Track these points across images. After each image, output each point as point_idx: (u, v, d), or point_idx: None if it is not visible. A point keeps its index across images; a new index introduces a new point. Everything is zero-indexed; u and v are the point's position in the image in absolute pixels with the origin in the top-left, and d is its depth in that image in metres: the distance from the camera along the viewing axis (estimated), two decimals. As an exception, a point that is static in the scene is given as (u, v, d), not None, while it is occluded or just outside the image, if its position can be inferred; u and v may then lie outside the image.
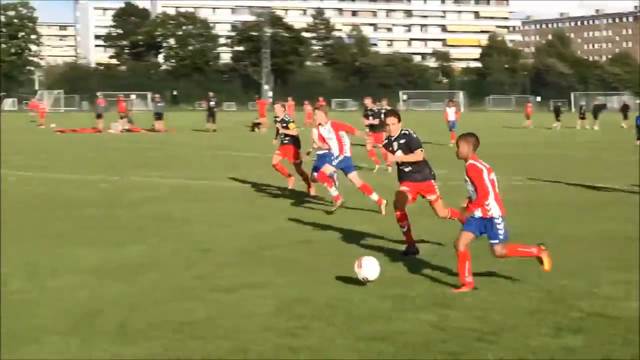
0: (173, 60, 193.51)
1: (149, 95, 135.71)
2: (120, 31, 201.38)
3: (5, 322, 11.42)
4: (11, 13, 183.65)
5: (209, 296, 12.82)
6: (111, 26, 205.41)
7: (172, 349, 10.22)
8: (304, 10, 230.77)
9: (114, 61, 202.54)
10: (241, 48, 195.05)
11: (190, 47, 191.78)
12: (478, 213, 13.27)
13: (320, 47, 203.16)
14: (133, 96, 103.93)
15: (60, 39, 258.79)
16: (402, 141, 16.47)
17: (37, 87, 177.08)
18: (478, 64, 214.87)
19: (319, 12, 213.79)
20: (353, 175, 23.09)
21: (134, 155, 44.26)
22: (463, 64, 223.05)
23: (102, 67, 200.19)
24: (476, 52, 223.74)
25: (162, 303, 12.29)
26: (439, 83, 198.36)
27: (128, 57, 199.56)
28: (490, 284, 13.69)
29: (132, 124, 73.13)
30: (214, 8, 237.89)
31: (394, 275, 14.27)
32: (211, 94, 79.92)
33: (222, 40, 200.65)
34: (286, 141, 26.24)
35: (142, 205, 24.32)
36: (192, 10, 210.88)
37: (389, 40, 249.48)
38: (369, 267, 13.35)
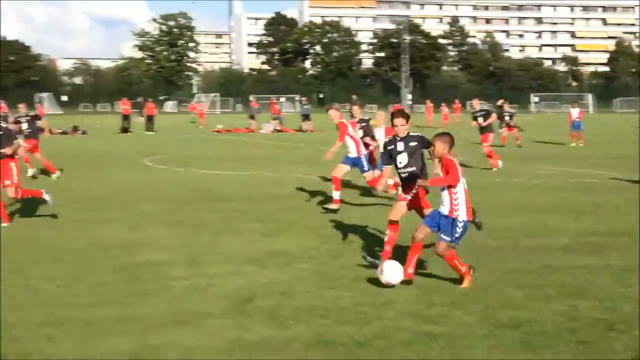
0: (319, 66, 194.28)
1: (297, 98, 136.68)
2: (270, 39, 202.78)
3: (165, 306, 11.71)
4: (171, 23, 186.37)
5: (353, 285, 12.88)
6: (262, 34, 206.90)
7: (320, 333, 10.32)
8: (441, 19, 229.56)
9: (265, 67, 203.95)
10: (382, 54, 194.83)
11: (335, 54, 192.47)
12: (445, 210, 12.88)
13: (456, 53, 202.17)
14: (282, 99, 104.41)
15: (216, 47, 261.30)
16: (412, 143, 14.88)
17: (194, 90, 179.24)
18: (606, 68, 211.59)
19: (455, 20, 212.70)
20: (368, 175, 22.47)
21: (284, 154, 44.50)
22: (591, 68, 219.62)
23: (254, 72, 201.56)
24: (604, 57, 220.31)
25: (311, 290, 12.41)
26: (568, 86, 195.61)
27: (278, 63, 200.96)
28: (619, 276, 13.51)
29: (282, 125, 73.59)
30: (357, 17, 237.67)
31: (527, 267, 14.16)
32: (354, 96, 79.99)
33: (364, 47, 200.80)
34: None
35: (291, 198, 24.54)
36: (336, 19, 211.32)
37: (520, 46, 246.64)
38: (390, 272, 12.76)
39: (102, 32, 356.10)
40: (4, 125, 19.39)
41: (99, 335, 10.28)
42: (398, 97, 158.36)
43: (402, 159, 14.76)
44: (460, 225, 12.78)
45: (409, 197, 14.57)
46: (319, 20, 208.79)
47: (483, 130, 33.96)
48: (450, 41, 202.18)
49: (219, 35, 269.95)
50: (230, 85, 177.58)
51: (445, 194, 12.77)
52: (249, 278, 13.42)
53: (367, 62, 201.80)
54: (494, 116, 35.51)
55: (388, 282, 12.63)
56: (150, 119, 70.07)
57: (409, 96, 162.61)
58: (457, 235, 12.83)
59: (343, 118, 22.89)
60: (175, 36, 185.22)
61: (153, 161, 37.97)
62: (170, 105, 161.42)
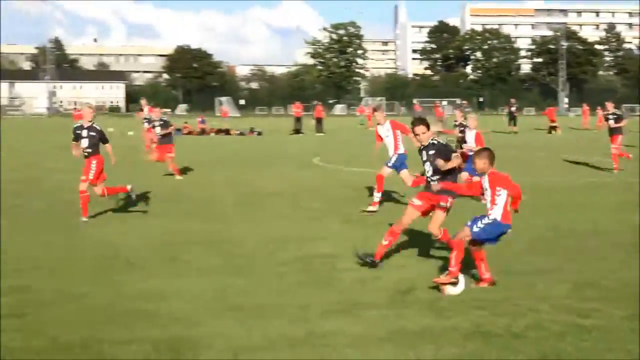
0: (479, 71, 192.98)
1: (457, 101, 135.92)
2: (434, 46, 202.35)
3: (333, 296, 11.84)
4: (341, 31, 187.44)
5: (509, 279, 12.77)
6: (426, 42, 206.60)
7: (477, 323, 10.30)
8: (597, 25, 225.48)
9: (428, 72, 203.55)
10: (540, 60, 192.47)
11: (495, 59, 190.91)
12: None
13: (612, 58, 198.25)
14: (444, 102, 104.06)
15: (382, 53, 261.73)
16: (430, 152, 13.99)
17: (362, 94, 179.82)
18: None
19: (611, 27, 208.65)
20: (404, 173, 21.72)
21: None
22: None
23: (418, 78, 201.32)
24: None
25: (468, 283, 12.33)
26: None
27: (440, 68, 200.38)
28: None
29: (445, 127, 73.18)
30: (516, 25, 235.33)
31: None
32: (513, 100, 79.19)
33: (522, 53, 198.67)
34: None
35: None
36: (496, 27, 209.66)
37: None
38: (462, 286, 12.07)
39: (277, 40, 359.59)
40: (98, 128, 19.69)
41: (270, 320, 10.53)
42: (555, 100, 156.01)
43: (427, 167, 14.13)
44: (487, 221, 12.25)
45: (417, 202, 14.00)
46: (479, 28, 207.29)
47: (613, 131, 33.24)
48: (606, 47, 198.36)
49: (385, 43, 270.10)
50: (395, 90, 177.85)
51: (488, 194, 12.35)
52: (409, 271, 13.48)
53: (526, 67, 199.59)
54: (624, 121, 34.75)
55: (454, 293, 11.95)
56: (319, 121, 70.40)
57: (566, 100, 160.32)
58: (479, 227, 12.24)
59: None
60: (344, 44, 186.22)
61: (322, 160, 38.24)
62: (339, 109, 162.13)
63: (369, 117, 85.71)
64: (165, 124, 30.01)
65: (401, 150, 22.02)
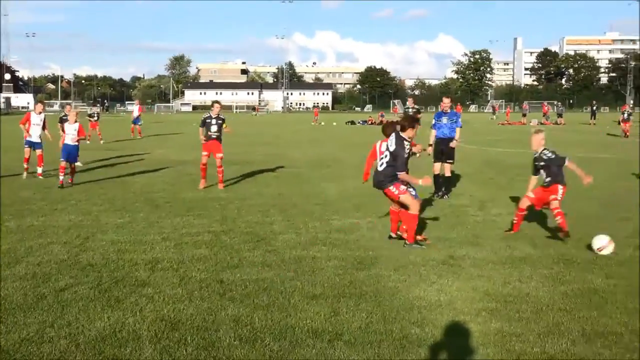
0: (571, 82, 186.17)
1: (555, 102, 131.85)
2: (540, 65, 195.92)
3: (464, 232, 11.67)
4: (477, 56, 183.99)
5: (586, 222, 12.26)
6: (534, 62, 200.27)
7: (561, 253, 10.05)
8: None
9: (535, 83, 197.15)
10: (614, 74, 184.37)
11: (582, 74, 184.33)
12: None
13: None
14: (546, 103, 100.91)
15: (504, 70, 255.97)
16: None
17: (489, 99, 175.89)
18: None
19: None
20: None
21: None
22: None
23: (528, 87, 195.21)
24: None
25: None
26: None
27: (544, 80, 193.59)
28: None
29: (547, 120, 70.96)
30: (598, 50, 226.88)
31: None
32: (594, 102, 75.89)
33: (602, 70, 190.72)
34: None
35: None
36: (584, 52, 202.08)
37: None
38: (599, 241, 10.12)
39: (433, 62, 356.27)
40: (222, 117, 17.45)
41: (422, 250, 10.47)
42: (624, 102, 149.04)
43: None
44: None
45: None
46: (572, 53, 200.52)
47: None
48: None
49: (506, 63, 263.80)
50: (512, 95, 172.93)
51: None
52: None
53: (604, 79, 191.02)
54: None
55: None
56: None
57: (631, 102, 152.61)
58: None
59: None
60: (478, 64, 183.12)
61: (463, 142, 37.56)
62: (472, 108, 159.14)
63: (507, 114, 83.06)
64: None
65: None
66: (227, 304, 7.45)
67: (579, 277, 8.68)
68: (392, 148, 10.60)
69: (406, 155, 10.65)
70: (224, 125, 17.59)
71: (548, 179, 11.32)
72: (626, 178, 19.99)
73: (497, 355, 6.08)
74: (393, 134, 10.82)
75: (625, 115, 45.85)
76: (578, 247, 10.36)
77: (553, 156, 11.37)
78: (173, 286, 8.14)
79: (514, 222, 11.65)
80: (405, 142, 10.63)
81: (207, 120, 17.46)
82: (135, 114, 42.47)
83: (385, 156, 10.72)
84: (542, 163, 11.38)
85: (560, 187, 11.19)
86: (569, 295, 7.88)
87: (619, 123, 47.05)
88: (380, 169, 10.82)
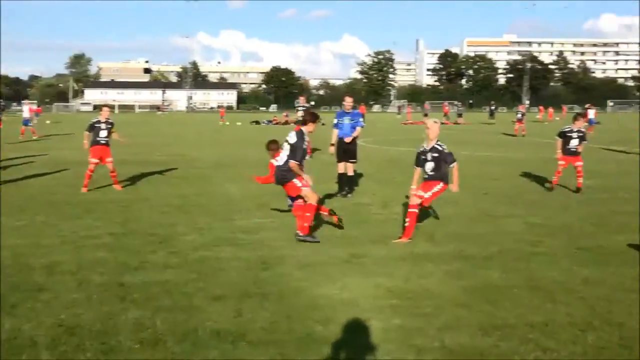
0: (470, 83, 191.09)
1: (455, 102, 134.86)
2: (441, 66, 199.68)
3: (367, 230, 11.75)
4: (380, 57, 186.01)
5: (487, 221, 12.60)
6: (436, 63, 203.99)
7: (460, 249, 10.32)
8: (551, 52, 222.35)
9: (437, 83, 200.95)
10: (511, 75, 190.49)
11: (481, 75, 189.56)
12: None
13: (560, 74, 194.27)
14: (447, 103, 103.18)
15: (407, 71, 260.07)
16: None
17: (392, 99, 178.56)
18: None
19: (560, 53, 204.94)
20: None
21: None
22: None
23: (430, 87, 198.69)
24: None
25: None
26: (634, 95, 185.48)
27: (445, 80, 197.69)
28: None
29: (448, 120, 72.74)
30: (497, 52, 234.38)
31: None
32: (492, 102, 78.59)
33: (500, 71, 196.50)
34: None
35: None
36: (483, 53, 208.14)
37: (602, 69, 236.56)
38: None
39: (338, 62, 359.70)
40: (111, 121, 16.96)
41: (322, 246, 10.55)
42: (521, 102, 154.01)
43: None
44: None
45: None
46: (472, 54, 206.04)
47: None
48: (556, 67, 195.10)
49: (408, 64, 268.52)
50: (414, 95, 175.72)
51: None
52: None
53: (502, 80, 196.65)
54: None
55: None
56: (362, 116, 69.90)
57: (527, 102, 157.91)
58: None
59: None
60: (382, 65, 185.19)
61: (366, 142, 38.10)
62: (376, 107, 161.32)
63: (409, 114, 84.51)
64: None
65: None
66: (127, 308, 7.31)
67: (478, 273, 8.91)
68: (292, 141, 10.91)
69: (304, 148, 10.97)
70: (112, 130, 17.16)
71: (432, 172, 11.03)
72: (515, 176, 20.54)
73: (398, 351, 6.18)
74: (293, 131, 11.10)
75: (520, 115, 47.29)
76: (477, 244, 10.63)
77: (446, 150, 11.09)
78: (71, 291, 7.93)
79: (406, 225, 11.00)
80: (306, 137, 10.94)
81: (96, 125, 16.93)
82: (26, 115, 41.26)
83: (286, 149, 10.96)
84: (435, 154, 11.01)
85: (441, 184, 11.04)
86: (468, 291, 8.08)
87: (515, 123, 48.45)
88: (281, 163, 11.01)
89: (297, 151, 10.85)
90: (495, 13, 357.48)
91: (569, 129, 17.17)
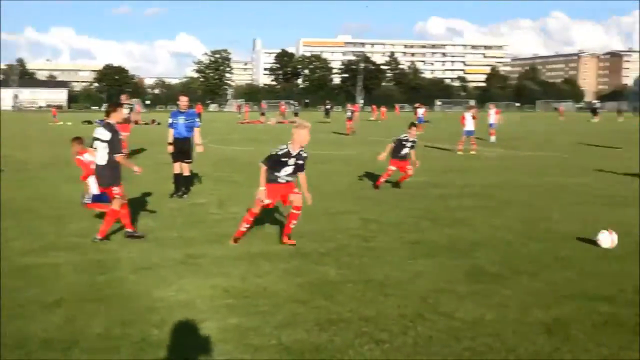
0: (307, 82, 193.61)
1: (291, 102, 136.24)
2: (278, 65, 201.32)
3: (204, 230, 11.71)
4: (217, 55, 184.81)
5: (323, 218, 12.82)
6: (273, 62, 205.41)
7: (298, 247, 10.45)
8: (383, 53, 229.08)
9: (274, 83, 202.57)
10: (346, 75, 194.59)
11: (316, 75, 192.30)
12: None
13: (391, 75, 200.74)
14: (283, 103, 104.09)
15: (244, 70, 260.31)
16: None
17: (228, 97, 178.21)
18: (484, 84, 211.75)
19: (392, 54, 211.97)
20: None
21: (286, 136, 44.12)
22: (475, 84, 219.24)
23: (267, 86, 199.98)
24: (483, 77, 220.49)
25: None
26: (459, 95, 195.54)
27: (282, 80, 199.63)
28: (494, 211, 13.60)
29: (285, 119, 74.30)
30: (332, 52, 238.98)
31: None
32: (327, 101, 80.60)
33: (335, 71, 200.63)
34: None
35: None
36: (319, 53, 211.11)
37: (431, 70, 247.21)
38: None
39: (174, 61, 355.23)
40: None
41: (157, 248, 10.40)
42: (354, 102, 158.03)
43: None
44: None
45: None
46: (308, 54, 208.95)
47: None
48: (388, 67, 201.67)
49: (245, 63, 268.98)
50: (251, 94, 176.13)
51: None
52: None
53: (337, 80, 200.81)
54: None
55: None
56: (199, 115, 69.40)
57: (361, 101, 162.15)
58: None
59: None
60: (219, 64, 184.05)
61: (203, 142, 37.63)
62: (212, 107, 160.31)
63: (246, 113, 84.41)
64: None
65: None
66: (-51, 319, 6.90)
67: (314, 269, 9.06)
68: (107, 137, 10.60)
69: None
70: None
71: (287, 177, 10.58)
72: (351, 174, 21.04)
73: (235, 350, 6.20)
74: (101, 126, 10.77)
75: (349, 113, 48.49)
76: (315, 240, 10.81)
77: (307, 157, 10.72)
78: None
79: (243, 229, 10.77)
80: (115, 128, 10.72)
81: None
82: None
83: (102, 147, 10.66)
84: (299, 162, 10.53)
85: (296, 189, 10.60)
86: (304, 287, 8.21)
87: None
88: (103, 162, 10.74)
89: (116, 144, 10.61)
90: (329, 14, 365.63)
91: (405, 137, 17.75)
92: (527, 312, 7.27)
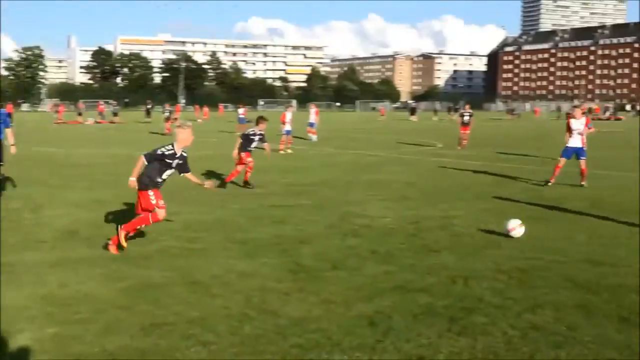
0: (126, 81, 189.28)
1: (110, 101, 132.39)
2: (95, 63, 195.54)
3: (19, 236, 11.21)
4: (29, 52, 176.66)
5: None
6: (89, 60, 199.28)
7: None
8: (204, 52, 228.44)
9: (91, 81, 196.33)
10: (167, 74, 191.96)
11: (137, 73, 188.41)
12: None
13: (213, 74, 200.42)
14: (102, 102, 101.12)
15: (59, 68, 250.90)
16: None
17: (42, 97, 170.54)
18: (304, 85, 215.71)
19: (213, 54, 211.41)
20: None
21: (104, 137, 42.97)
22: (295, 84, 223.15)
23: (83, 85, 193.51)
24: (304, 77, 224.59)
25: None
26: (281, 95, 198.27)
27: (99, 78, 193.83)
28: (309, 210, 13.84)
29: (103, 119, 72.21)
30: (152, 50, 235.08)
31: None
32: (149, 100, 79.33)
33: (156, 69, 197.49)
34: None
35: (117, 165, 23.52)
36: (138, 51, 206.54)
37: (253, 70, 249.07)
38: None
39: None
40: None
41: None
42: (176, 101, 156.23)
43: None
44: None
45: None
46: (127, 52, 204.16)
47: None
48: (210, 67, 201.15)
49: (60, 61, 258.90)
50: (67, 94, 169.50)
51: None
52: (74, 217, 12.99)
53: (157, 79, 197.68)
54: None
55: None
56: (9, 115, 66.14)
57: (183, 101, 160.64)
58: None
59: None
60: (31, 61, 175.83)
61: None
62: (25, 106, 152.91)
63: (61, 112, 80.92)
64: None
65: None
66: None
67: (137, 273, 8.85)
68: None
69: None
70: None
71: (162, 180, 10.25)
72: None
73: (55, 361, 5.95)
74: None
75: (167, 113, 48.05)
76: (137, 243, 10.56)
77: (187, 157, 10.47)
78: None
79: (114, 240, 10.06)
80: None
81: None
82: None
83: None
84: (181, 162, 10.30)
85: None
86: (127, 292, 8.00)
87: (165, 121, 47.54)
88: None
89: None
90: (148, 12, 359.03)
91: (252, 132, 18.29)
92: (351, 306, 7.47)
